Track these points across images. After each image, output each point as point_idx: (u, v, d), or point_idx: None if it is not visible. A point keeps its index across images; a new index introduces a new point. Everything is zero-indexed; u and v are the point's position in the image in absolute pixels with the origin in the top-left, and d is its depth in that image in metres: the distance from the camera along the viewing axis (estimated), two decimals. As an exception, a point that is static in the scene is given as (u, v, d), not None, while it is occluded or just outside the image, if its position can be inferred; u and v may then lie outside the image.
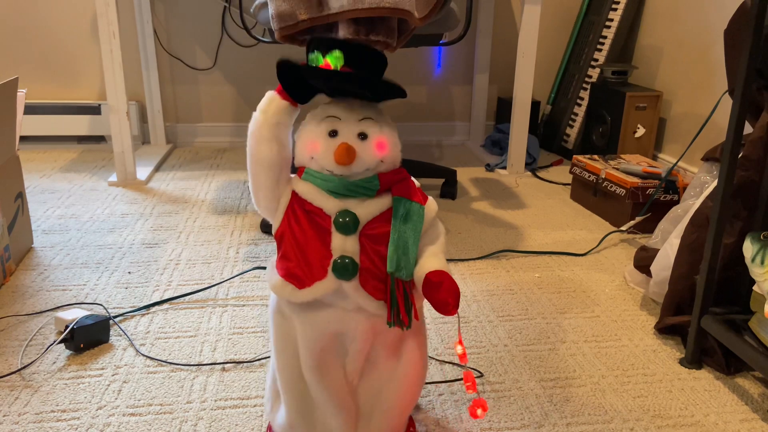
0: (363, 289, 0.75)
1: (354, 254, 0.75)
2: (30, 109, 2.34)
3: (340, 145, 0.74)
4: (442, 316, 1.28)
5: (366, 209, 0.76)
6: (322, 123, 0.76)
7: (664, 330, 1.22)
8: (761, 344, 1.03)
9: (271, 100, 0.76)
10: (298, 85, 0.76)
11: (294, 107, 0.77)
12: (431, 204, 0.80)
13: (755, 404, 1.03)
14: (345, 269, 0.74)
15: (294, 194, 0.78)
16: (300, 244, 0.76)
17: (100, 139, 2.45)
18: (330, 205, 0.75)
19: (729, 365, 1.11)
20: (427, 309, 1.30)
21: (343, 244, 0.75)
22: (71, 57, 2.41)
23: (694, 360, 1.13)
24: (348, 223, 0.74)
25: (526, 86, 2.12)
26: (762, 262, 0.98)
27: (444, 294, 0.72)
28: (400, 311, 0.75)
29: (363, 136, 0.75)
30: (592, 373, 1.10)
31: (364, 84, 0.75)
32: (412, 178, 0.81)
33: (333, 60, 0.74)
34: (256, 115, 0.77)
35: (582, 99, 2.41)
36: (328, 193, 0.76)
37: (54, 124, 2.38)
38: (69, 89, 2.44)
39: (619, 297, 1.38)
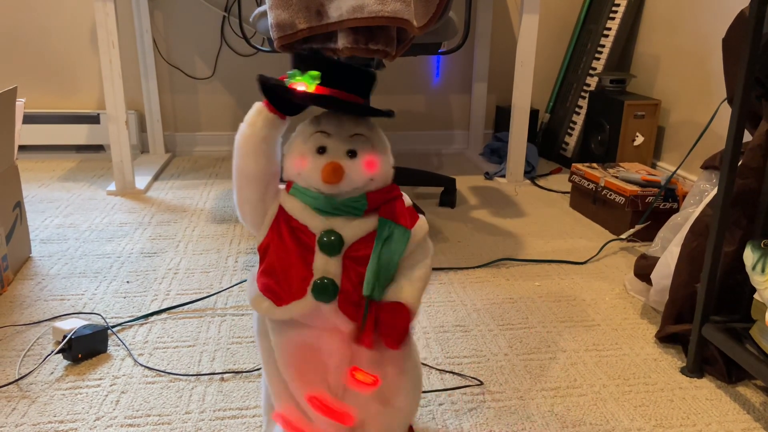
0: (341, 311, 0.73)
1: (335, 276, 0.73)
2: (29, 119, 2.34)
3: (327, 163, 0.72)
4: (442, 325, 1.27)
5: (352, 230, 0.74)
6: (310, 138, 0.74)
7: (664, 338, 1.22)
8: (763, 352, 1.02)
9: (258, 113, 0.74)
10: (284, 99, 0.74)
11: (282, 120, 0.75)
12: (421, 226, 0.77)
13: (757, 413, 1.02)
14: (325, 291, 0.72)
15: (281, 208, 0.76)
16: (282, 261, 0.74)
17: (99, 148, 2.45)
18: (315, 223, 0.73)
19: (730, 374, 1.10)
20: (426, 317, 1.29)
21: (326, 265, 0.73)
22: (70, 66, 2.41)
23: (695, 369, 1.12)
24: (332, 243, 0.72)
25: (525, 95, 2.13)
26: (763, 270, 0.98)
27: (391, 326, 0.72)
28: (364, 333, 0.73)
29: (352, 154, 0.73)
30: (593, 382, 1.10)
31: (335, 107, 0.74)
32: (405, 196, 0.79)
33: (308, 80, 0.72)
34: (243, 128, 0.75)
35: (580, 107, 2.41)
36: (314, 210, 0.74)
37: (53, 134, 2.38)
38: (68, 98, 2.44)
39: (620, 305, 1.37)
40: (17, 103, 1.47)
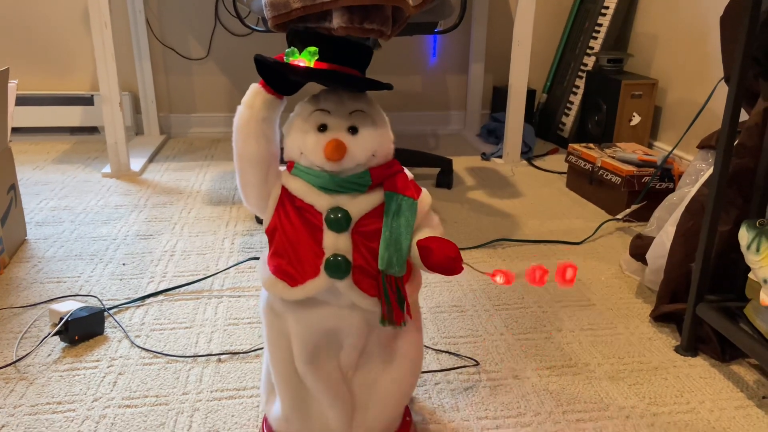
0: (357, 286, 0.74)
1: (347, 252, 0.73)
2: (22, 100, 2.31)
3: (330, 141, 0.72)
4: (438, 305, 1.28)
5: (358, 205, 0.74)
6: (311, 117, 0.74)
7: (659, 318, 1.22)
8: (756, 331, 1.03)
9: (256, 94, 0.74)
10: (281, 79, 0.74)
11: (280, 100, 0.75)
12: (425, 197, 0.78)
13: (750, 391, 1.03)
14: (338, 268, 0.73)
15: (284, 189, 0.76)
16: (291, 241, 0.74)
17: (93, 130, 2.43)
18: (321, 201, 0.74)
19: (724, 352, 1.11)
20: (423, 298, 1.30)
21: (336, 242, 0.73)
22: (63, 47, 2.38)
23: (689, 347, 1.13)
24: (340, 220, 0.73)
25: (522, 75, 2.11)
26: (757, 250, 0.98)
27: (440, 253, 0.71)
28: (393, 309, 0.74)
29: (353, 130, 0.74)
30: (588, 361, 1.11)
31: (337, 81, 0.74)
32: (406, 170, 0.79)
33: (307, 56, 0.72)
34: (242, 110, 0.74)
35: (577, 87, 2.40)
36: (318, 189, 0.74)
37: (46, 116, 2.36)
38: (61, 80, 2.42)
39: (615, 285, 1.38)
40: (10, 84, 1.46)
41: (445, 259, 0.71)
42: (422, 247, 0.73)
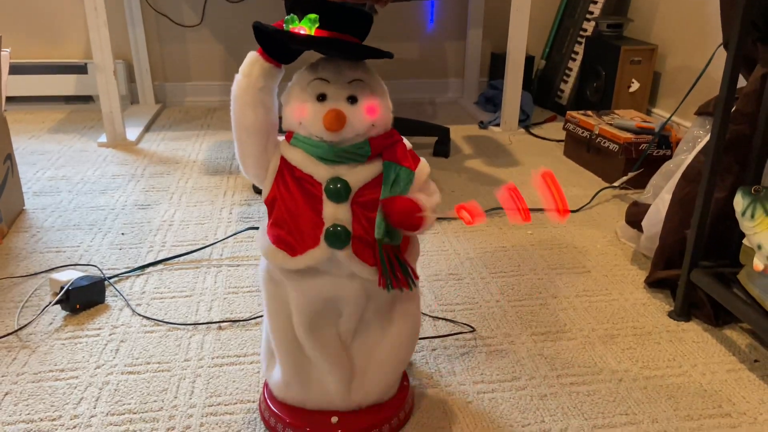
0: (356, 256, 0.74)
1: (346, 222, 0.74)
2: (15, 69, 2.28)
3: (329, 110, 0.71)
4: (436, 273, 1.29)
5: (357, 176, 0.74)
6: (309, 86, 0.74)
7: (653, 284, 1.24)
8: (750, 297, 1.05)
9: (253, 63, 0.73)
10: (279, 47, 0.73)
11: (278, 68, 0.74)
12: (423, 167, 0.79)
13: (742, 355, 1.05)
14: (337, 238, 0.73)
15: (283, 159, 0.76)
16: (291, 212, 0.75)
17: (87, 99, 2.41)
18: (320, 171, 0.74)
19: (717, 317, 1.12)
20: (421, 266, 1.31)
21: (335, 212, 0.73)
22: (56, 14, 2.35)
23: (682, 312, 1.15)
24: (339, 191, 0.73)
25: (520, 41, 2.09)
26: (752, 216, 0.99)
27: (399, 206, 0.71)
28: (397, 276, 0.74)
29: (353, 100, 0.73)
30: (583, 326, 1.12)
31: (339, 49, 0.73)
32: (405, 140, 0.79)
33: (307, 23, 0.71)
34: (239, 79, 0.74)
35: (576, 53, 2.38)
36: (317, 159, 0.74)
37: (40, 84, 2.33)
38: (54, 48, 2.39)
39: (611, 252, 1.39)
40: (3, 52, 1.44)
41: (404, 214, 0.71)
42: (384, 203, 0.73)
